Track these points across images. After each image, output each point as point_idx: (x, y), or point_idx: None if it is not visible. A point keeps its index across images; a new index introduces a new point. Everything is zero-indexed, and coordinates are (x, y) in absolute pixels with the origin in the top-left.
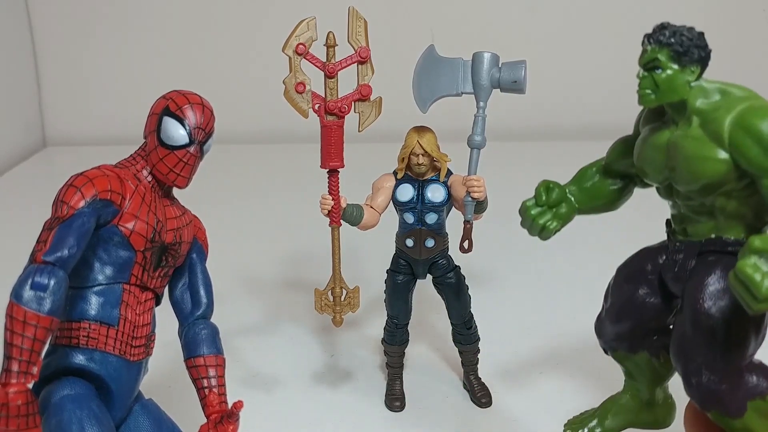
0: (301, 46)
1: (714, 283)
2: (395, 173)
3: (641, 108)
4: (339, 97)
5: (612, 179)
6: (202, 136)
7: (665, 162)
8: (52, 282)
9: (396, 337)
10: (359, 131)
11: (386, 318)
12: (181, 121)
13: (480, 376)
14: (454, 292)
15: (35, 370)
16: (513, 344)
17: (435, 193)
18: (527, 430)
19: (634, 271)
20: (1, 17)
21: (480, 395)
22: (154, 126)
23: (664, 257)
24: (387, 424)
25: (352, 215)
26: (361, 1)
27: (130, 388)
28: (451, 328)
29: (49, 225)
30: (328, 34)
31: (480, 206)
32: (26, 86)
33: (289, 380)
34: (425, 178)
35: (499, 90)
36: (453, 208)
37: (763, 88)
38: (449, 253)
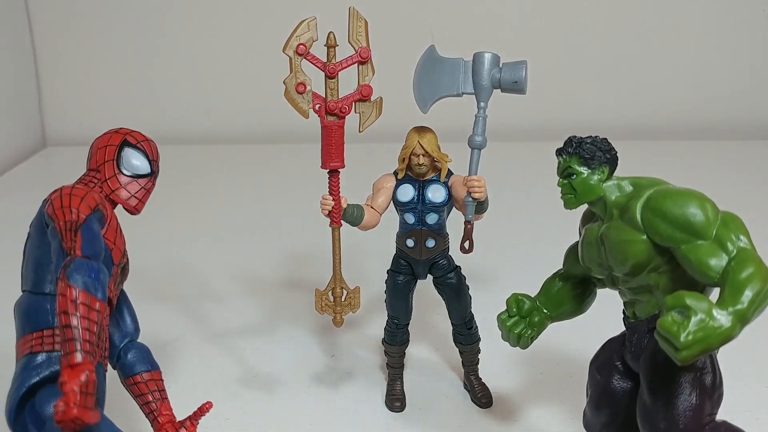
0: (301, 46)
1: (663, 353)
2: (396, 173)
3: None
4: (339, 97)
5: (573, 285)
6: (157, 169)
7: (600, 254)
8: (101, 274)
9: (396, 338)
10: (360, 131)
11: (386, 318)
12: (143, 152)
13: (480, 376)
14: (455, 292)
15: (95, 352)
16: None
17: (435, 194)
18: (527, 430)
19: (604, 362)
20: (1, 17)
21: (480, 395)
22: (113, 155)
23: (625, 342)
24: (387, 424)
25: (353, 215)
26: (362, 1)
27: (104, 399)
28: (451, 328)
29: (68, 228)
30: (329, 34)
31: (480, 206)
32: (26, 86)
33: (289, 380)
34: (426, 178)
35: (499, 90)
36: (453, 208)
37: (764, 88)
38: (450, 253)
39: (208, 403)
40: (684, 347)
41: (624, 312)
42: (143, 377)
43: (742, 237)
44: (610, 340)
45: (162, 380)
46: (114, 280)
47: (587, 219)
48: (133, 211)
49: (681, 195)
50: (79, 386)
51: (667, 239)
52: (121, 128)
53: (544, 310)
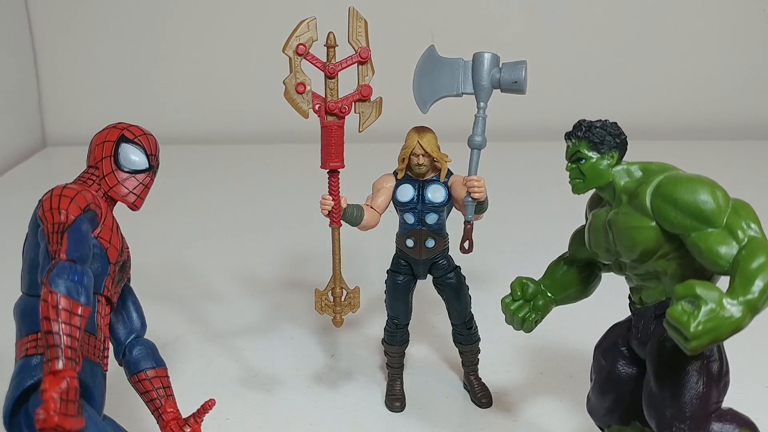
0: (301, 46)
1: (670, 340)
2: (395, 173)
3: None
4: (339, 97)
5: (578, 268)
6: (156, 163)
7: (607, 240)
8: (85, 277)
9: (396, 338)
10: (360, 131)
11: (386, 318)
12: (141, 147)
13: (480, 376)
14: (455, 292)
15: (79, 358)
16: (513, 345)
17: (435, 194)
18: (527, 430)
19: (609, 346)
20: (1, 17)
21: (480, 395)
22: (110, 151)
23: (631, 328)
24: (387, 424)
25: (353, 216)
26: (361, 2)
27: (104, 399)
28: (451, 328)
29: (55, 230)
30: (329, 34)
31: (480, 206)
32: (26, 86)
33: (289, 380)
34: (426, 178)
35: (499, 90)
36: (453, 208)
37: (764, 88)
38: (449, 253)
39: (211, 400)
40: (694, 337)
41: (630, 297)
42: (148, 374)
43: (753, 225)
44: (616, 325)
45: (167, 377)
46: (112, 279)
47: (595, 203)
48: (133, 207)
49: (692, 181)
50: (59, 393)
51: (676, 226)
52: (119, 123)
53: (549, 294)
